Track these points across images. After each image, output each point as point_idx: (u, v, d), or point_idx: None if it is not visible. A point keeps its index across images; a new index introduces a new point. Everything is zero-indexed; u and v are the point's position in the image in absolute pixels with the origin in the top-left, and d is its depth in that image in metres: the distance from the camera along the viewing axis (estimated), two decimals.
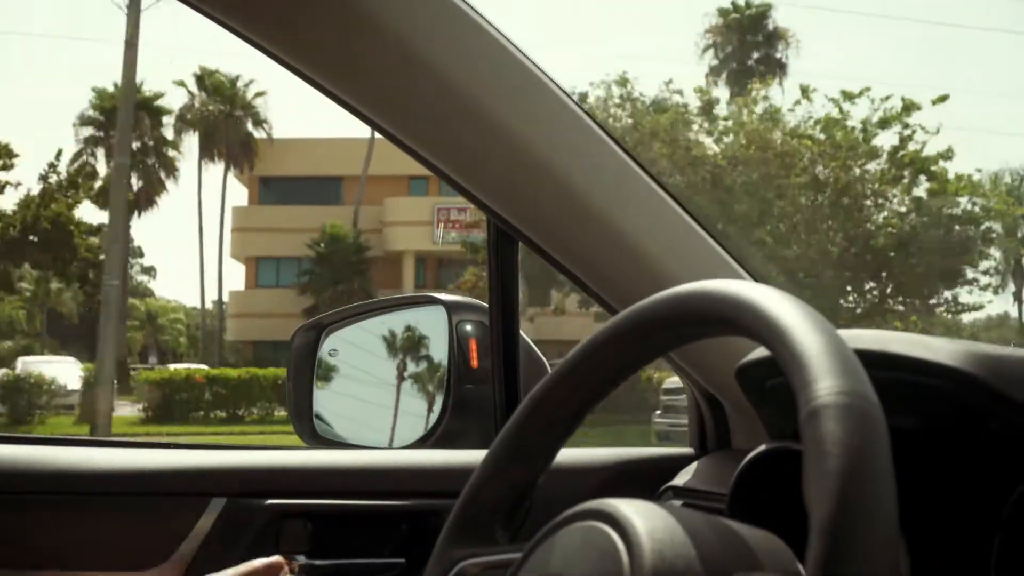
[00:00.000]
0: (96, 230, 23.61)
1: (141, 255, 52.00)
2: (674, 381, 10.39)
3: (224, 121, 37.30)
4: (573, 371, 0.77)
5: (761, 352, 0.95)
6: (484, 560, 0.80)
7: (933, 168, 20.66)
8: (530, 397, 0.80)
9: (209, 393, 21.81)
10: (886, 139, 20.84)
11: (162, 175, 38.15)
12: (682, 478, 1.31)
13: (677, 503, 1.24)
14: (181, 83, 38.66)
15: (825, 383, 0.54)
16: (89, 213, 64.84)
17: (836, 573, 0.49)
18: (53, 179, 21.99)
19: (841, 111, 20.58)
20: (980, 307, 23.77)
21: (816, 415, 0.54)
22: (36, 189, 21.91)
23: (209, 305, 40.76)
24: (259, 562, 1.06)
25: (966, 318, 25.26)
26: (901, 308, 21.49)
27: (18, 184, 23.87)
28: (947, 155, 21.05)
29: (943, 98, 20.42)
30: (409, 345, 1.78)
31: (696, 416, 1.43)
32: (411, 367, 1.78)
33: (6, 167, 21.76)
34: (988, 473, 0.80)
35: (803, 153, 20.38)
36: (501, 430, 0.82)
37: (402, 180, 32.90)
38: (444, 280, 29.64)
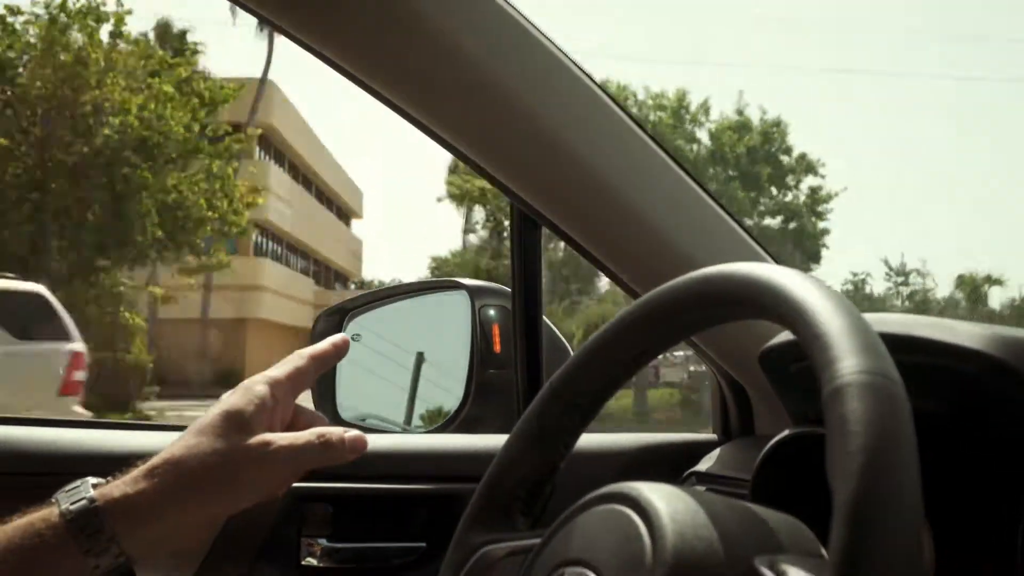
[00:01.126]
0: None
1: None
2: None
3: None
4: (594, 355, 0.77)
5: (784, 336, 0.94)
6: (505, 545, 0.79)
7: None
8: (551, 382, 0.80)
9: None
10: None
11: None
12: (705, 464, 1.31)
13: (700, 488, 1.23)
14: None
15: (848, 362, 0.54)
16: None
17: (860, 552, 0.49)
18: None
19: None
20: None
21: (839, 394, 0.53)
22: None
23: None
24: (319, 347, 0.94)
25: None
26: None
27: None
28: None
29: None
30: (432, 330, 1.78)
31: (719, 402, 1.42)
32: (434, 352, 1.78)
33: None
34: (1013, 459, 0.79)
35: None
36: (522, 415, 0.81)
37: None
38: None
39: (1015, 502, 0.79)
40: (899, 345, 0.63)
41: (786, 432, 0.93)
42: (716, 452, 1.34)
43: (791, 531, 0.63)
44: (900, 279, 38.91)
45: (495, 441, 1.31)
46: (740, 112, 33.68)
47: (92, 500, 0.80)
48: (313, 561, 1.27)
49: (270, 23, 1.07)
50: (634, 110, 32.00)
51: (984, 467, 0.82)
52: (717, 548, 0.58)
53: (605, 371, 0.77)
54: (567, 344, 1.47)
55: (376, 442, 1.37)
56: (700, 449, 1.36)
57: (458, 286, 1.61)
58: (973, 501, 0.82)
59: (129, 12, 17.63)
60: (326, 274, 39.67)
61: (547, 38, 1.10)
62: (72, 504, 0.80)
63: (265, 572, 1.26)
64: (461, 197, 32.43)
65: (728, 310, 0.68)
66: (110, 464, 0.94)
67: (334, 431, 0.87)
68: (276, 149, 32.19)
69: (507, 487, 0.81)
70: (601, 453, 1.38)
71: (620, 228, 1.20)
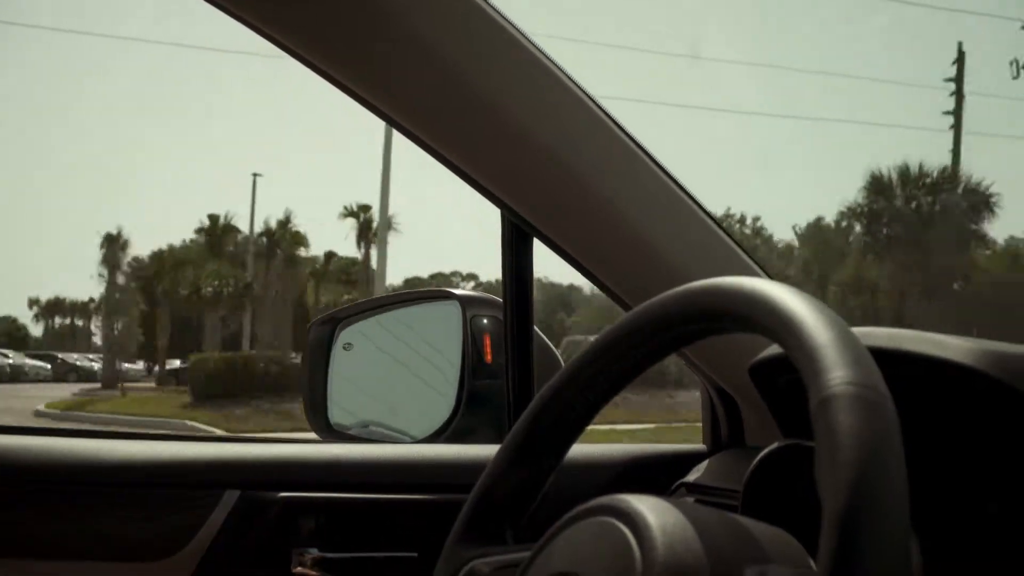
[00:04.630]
0: None
1: None
2: None
3: None
4: (584, 369, 0.77)
5: (775, 349, 0.94)
6: (494, 559, 0.80)
7: None
8: (540, 396, 0.80)
9: None
10: None
11: None
12: (694, 475, 1.31)
13: (689, 500, 1.24)
14: None
15: (836, 373, 0.55)
16: None
17: (849, 562, 0.49)
18: None
19: None
20: None
21: (827, 405, 0.54)
22: None
23: None
24: None
25: None
26: None
27: None
28: None
29: None
30: (423, 340, 1.78)
31: (709, 413, 1.43)
32: (425, 361, 1.78)
33: None
34: (1001, 471, 0.80)
35: None
36: (511, 429, 0.82)
37: None
38: None
39: (1001, 513, 0.79)
40: (887, 359, 0.64)
41: (776, 444, 0.93)
42: (706, 463, 1.34)
43: (779, 543, 0.63)
44: None
45: (486, 451, 1.31)
46: None
47: None
48: (304, 571, 1.27)
49: (272, 39, 1.07)
50: None
51: (971, 479, 0.82)
52: (706, 560, 0.59)
53: (594, 386, 0.77)
54: (558, 355, 1.47)
55: (367, 452, 1.38)
56: (689, 460, 1.36)
57: (450, 296, 1.61)
58: (960, 512, 0.82)
59: None
60: None
61: (541, 51, 1.11)
62: None
63: None
64: None
65: (717, 324, 0.69)
66: (116, 473, 0.95)
67: None
68: None
69: (496, 501, 0.81)
70: (590, 464, 1.38)
71: (612, 240, 1.20)
